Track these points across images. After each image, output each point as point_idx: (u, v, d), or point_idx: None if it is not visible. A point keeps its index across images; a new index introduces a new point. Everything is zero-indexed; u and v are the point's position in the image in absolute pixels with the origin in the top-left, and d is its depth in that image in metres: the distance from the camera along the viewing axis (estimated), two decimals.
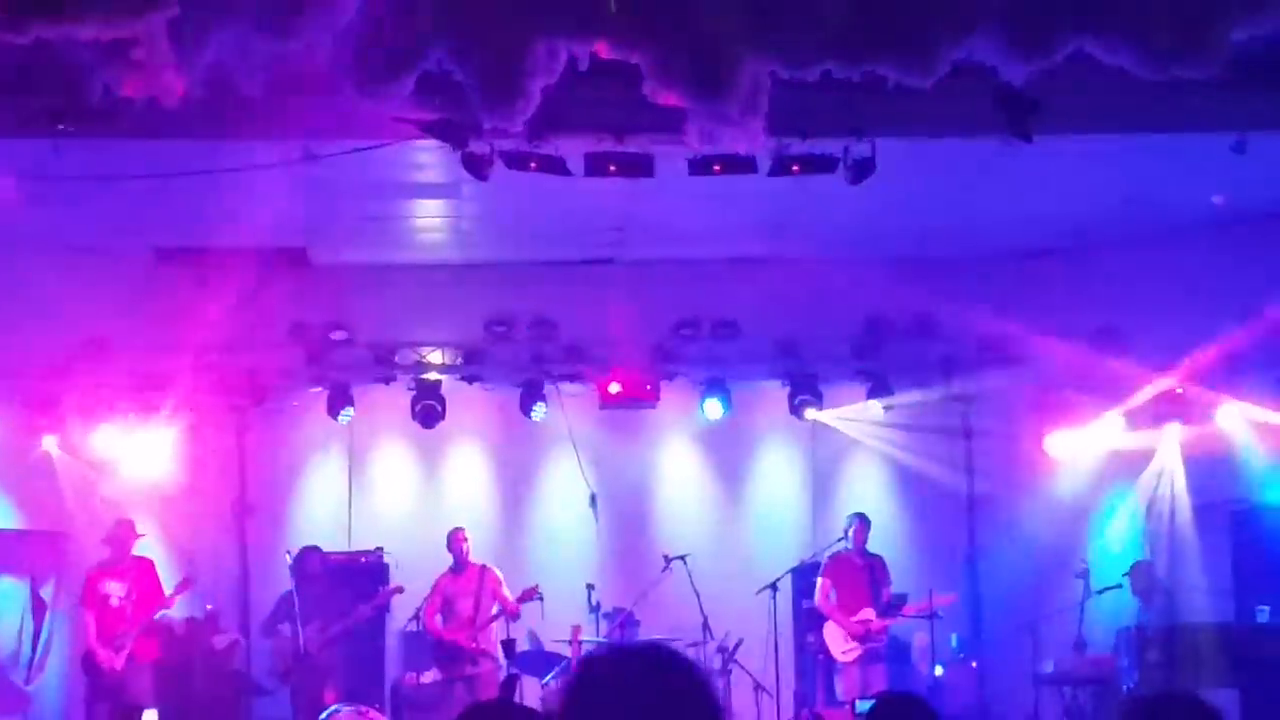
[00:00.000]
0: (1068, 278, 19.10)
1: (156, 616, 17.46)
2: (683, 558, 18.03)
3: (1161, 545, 18.86)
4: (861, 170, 13.61)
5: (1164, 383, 18.69)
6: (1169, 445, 19.02)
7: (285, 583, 18.09)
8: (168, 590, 17.54)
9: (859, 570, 18.27)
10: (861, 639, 17.93)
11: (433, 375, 19.62)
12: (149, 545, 17.98)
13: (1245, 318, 17.76)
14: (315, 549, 18.52)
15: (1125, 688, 17.34)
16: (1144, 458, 19.18)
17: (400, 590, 18.15)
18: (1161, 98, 10.80)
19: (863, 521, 18.45)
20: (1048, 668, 18.30)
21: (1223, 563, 18.54)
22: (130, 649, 17.14)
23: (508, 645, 17.58)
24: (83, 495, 18.69)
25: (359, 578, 18.96)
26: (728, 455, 20.83)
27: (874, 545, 18.47)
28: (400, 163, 15.53)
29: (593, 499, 19.99)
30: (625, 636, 17.90)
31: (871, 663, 18.03)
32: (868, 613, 17.99)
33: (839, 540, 18.45)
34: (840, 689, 18.12)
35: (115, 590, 17.26)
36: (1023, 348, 19.15)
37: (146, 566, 17.59)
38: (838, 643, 18.05)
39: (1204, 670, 16.57)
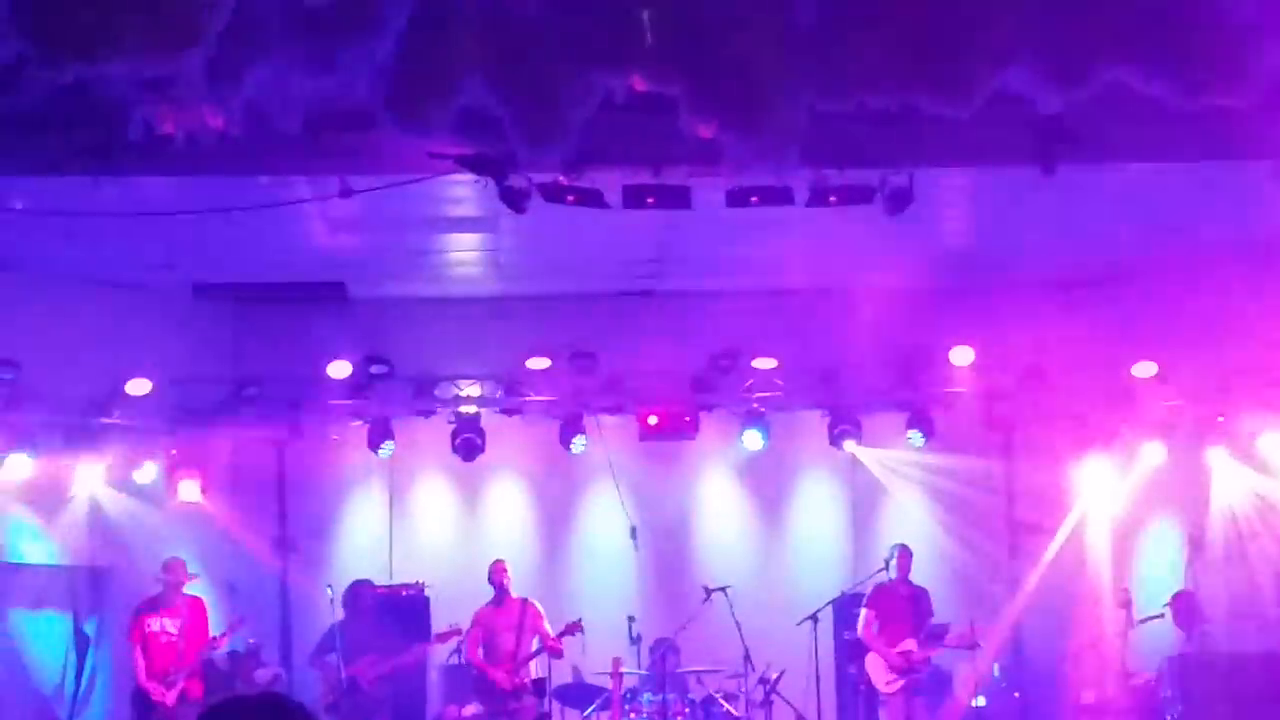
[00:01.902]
0: (1107, 306, 19.06)
1: (203, 655, 17.48)
2: (723, 589, 17.97)
3: (1203, 574, 18.76)
4: (899, 201, 13.60)
5: (1205, 411, 18.65)
6: (1211, 473, 18.94)
7: (327, 616, 18.11)
8: (215, 630, 17.56)
9: (903, 601, 18.21)
10: (903, 671, 17.87)
11: (472, 408, 19.63)
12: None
13: None
14: (368, 582, 18.55)
15: (1169, 718, 17.27)
16: (1185, 486, 19.09)
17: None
18: (1197, 126, 10.78)
19: (905, 552, 18.42)
20: (1090, 698, 18.22)
21: (1266, 592, 18.44)
22: (182, 686, 17.15)
23: (538, 684, 17.56)
24: (125, 531, 18.74)
25: (401, 612, 18.97)
26: (767, 486, 20.82)
27: (915, 575, 18.44)
28: (438, 197, 15.57)
29: (633, 531, 19.97)
30: (666, 668, 17.88)
31: (914, 694, 17.96)
32: (909, 644, 17.94)
33: (879, 570, 18.41)
34: None
35: (166, 627, 17.26)
36: (1061, 377, 19.12)
37: (198, 605, 17.58)
38: (880, 674, 17.98)
39: (1249, 701, 16.47)
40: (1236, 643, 17.84)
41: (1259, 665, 17.08)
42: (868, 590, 18.44)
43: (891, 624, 18.06)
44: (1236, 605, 18.37)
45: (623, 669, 17.43)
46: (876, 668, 18.03)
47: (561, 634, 17.45)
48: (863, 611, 18.24)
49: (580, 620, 17.52)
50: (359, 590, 18.34)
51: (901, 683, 17.88)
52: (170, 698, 17.07)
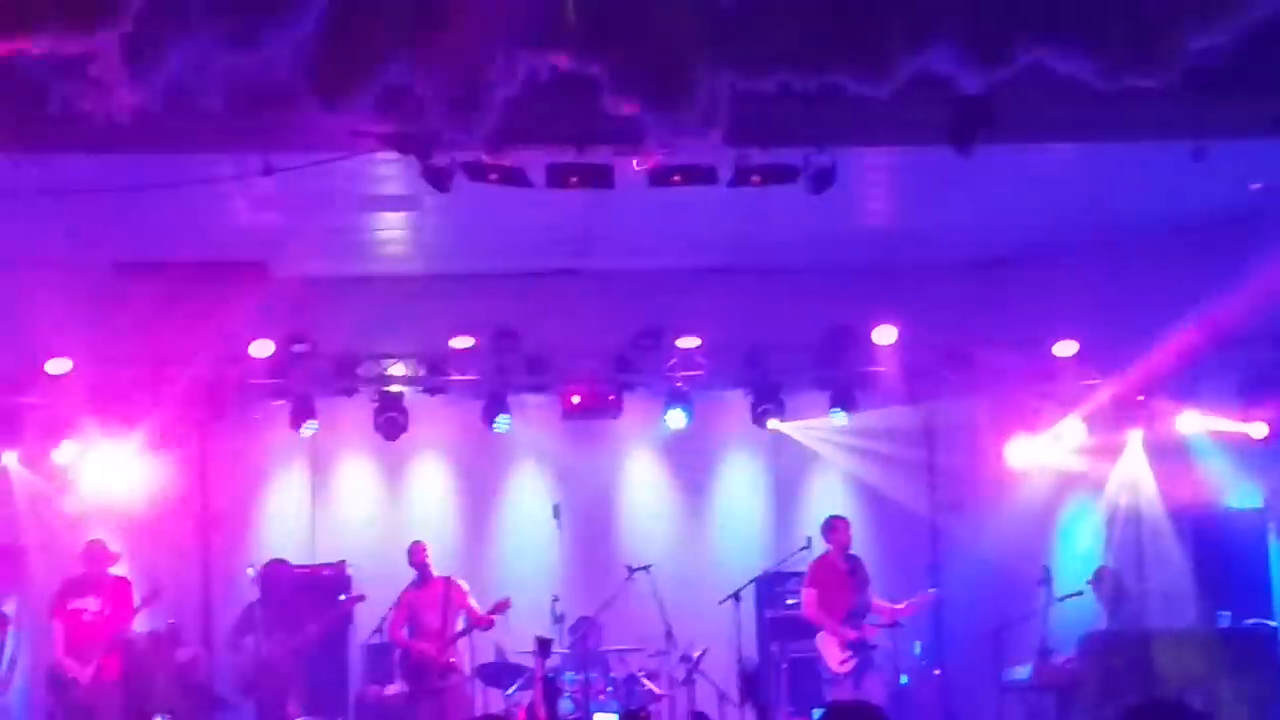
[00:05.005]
0: (1027, 286, 19.17)
1: (123, 633, 17.38)
2: (646, 568, 18.03)
3: (1124, 551, 18.90)
4: (822, 180, 13.63)
5: (1124, 390, 18.77)
6: (1129, 452, 19.08)
7: (248, 596, 18.08)
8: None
9: (843, 574, 18.06)
10: (857, 649, 17.73)
11: (395, 387, 19.59)
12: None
13: (1203, 324, 17.85)
14: (283, 561, 18.50)
15: (1088, 694, 17.38)
16: (1105, 465, 19.23)
17: (362, 598, 18.07)
18: (1117, 107, 10.83)
19: (844, 523, 18.33)
20: (1012, 674, 18.33)
21: (1184, 568, 18.59)
22: (98, 664, 17.06)
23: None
24: (43, 511, 18.62)
25: (322, 591, 18.92)
26: (690, 465, 20.85)
27: None
28: (361, 175, 15.49)
29: (555, 510, 19.92)
30: (589, 646, 17.90)
31: (865, 672, 17.78)
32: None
33: (801, 549, 18.37)
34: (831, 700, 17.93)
35: (89, 605, 17.18)
36: (983, 356, 19.22)
37: (124, 586, 17.51)
38: (833, 653, 17.73)
39: (1167, 676, 16.61)
40: (1151, 620, 17.99)
41: (1170, 643, 17.22)
42: (806, 568, 18.22)
43: (834, 598, 17.86)
44: (1152, 583, 18.53)
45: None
46: (829, 647, 17.79)
47: (491, 612, 17.43)
48: (805, 591, 18.12)
49: (509, 598, 17.51)
50: (274, 570, 18.29)
51: (855, 661, 17.72)
52: (86, 675, 16.97)
